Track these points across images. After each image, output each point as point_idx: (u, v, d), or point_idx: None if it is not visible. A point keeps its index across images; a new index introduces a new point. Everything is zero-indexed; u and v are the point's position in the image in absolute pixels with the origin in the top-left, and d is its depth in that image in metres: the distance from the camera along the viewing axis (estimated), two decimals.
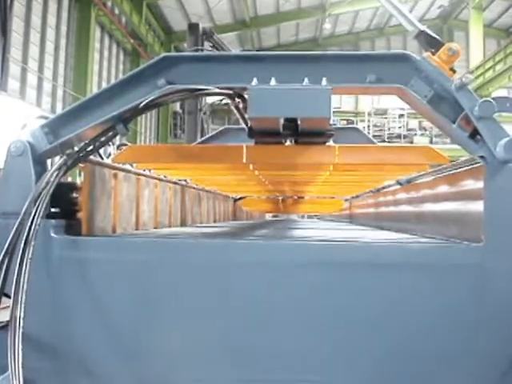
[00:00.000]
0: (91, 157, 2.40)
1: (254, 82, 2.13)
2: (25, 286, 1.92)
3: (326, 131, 2.74)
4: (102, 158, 2.72)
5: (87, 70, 19.57)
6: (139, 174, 3.20)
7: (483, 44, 27.23)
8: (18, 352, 1.84)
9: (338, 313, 2.06)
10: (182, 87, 2.22)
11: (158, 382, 2.13)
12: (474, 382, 2.03)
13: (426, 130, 30.68)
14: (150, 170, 3.54)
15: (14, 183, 2.20)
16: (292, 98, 2.09)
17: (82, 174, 2.44)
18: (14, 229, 2.00)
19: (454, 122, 2.09)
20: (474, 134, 2.07)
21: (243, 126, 3.01)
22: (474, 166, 2.29)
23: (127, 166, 3.09)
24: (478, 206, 2.14)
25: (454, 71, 2.19)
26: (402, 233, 3.46)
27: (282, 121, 2.56)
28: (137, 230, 3.10)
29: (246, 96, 2.23)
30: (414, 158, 3.09)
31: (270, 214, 12.69)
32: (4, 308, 1.97)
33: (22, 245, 1.97)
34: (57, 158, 2.30)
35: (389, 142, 29.79)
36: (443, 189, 2.82)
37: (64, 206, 2.32)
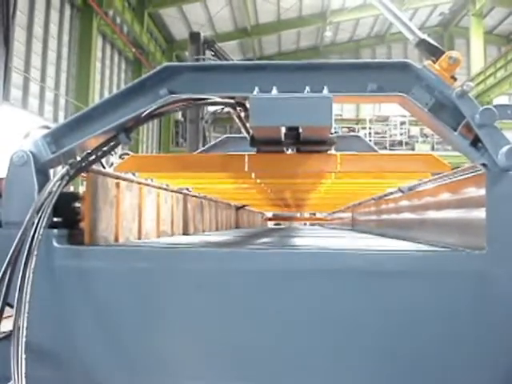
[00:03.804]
0: (94, 166, 2.41)
1: (256, 91, 2.13)
2: (27, 296, 1.92)
3: (328, 139, 2.74)
4: (105, 168, 2.73)
5: (89, 79, 19.66)
6: (141, 183, 3.20)
7: (484, 51, 27.29)
8: (21, 362, 1.84)
9: (339, 321, 2.06)
10: (184, 97, 2.23)
11: None
12: None
13: (427, 137, 30.70)
14: (152, 179, 3.55)
15: (16, 193, 2.20)
16: (293, 107, 2.09)
17: (85, 183, 2.44)
18: (17, 239, 2.00)
19: (455, 130, 2.09)
20: (476, 142, 2.07)
21: (245, 134, 3.02)
22: (476, 173, 2.29)
23: (129, 176, 3.10)
24: (480, 214, 2.13)
25: (455, 79, 2.20)
26: (405, 240, 3.46)
27: (283, 129, 2.57)
28: (139, 239, 3.10)
29: (247, 105, 2.24)
30: (416, 165, 3.08)
31: (272, 222, 12.72)
32: (7, 318, 1.97)
33: (25, 254, 1.97)
34: (59, 168, 2.31)
35: (390, 149, 29.81)
36: (445, 196, 2.82)
37: (66, 216, 2.32)
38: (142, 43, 24.78)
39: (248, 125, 2.56)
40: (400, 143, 31.40)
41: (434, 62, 2.21)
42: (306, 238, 4.42)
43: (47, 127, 2.37)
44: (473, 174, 2.36)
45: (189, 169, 3.22)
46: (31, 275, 1.95)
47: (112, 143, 2.30)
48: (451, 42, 32.60)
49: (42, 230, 2.04)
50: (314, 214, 13.71)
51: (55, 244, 2.16)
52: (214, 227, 5.64)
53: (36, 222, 2.04)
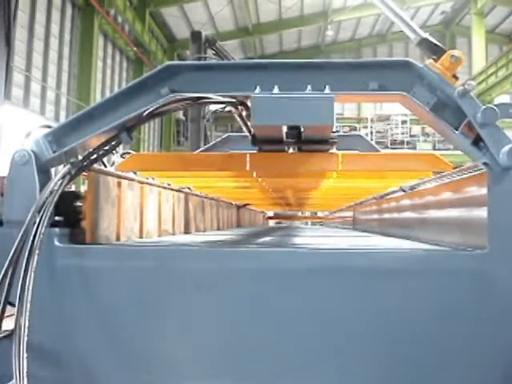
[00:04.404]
0: (95, 165, 2.41)
1: (257, 90, 2.13)
2: (29, 295, 1.92)
3: (330, 138, 2.74)
4: (106, 167, 2.73)
5: (90, 79, 19.66)
6: (143, 182, 3.20)
7: (485, 50, 27.26)
8: (22, 361, 1.84)
9: (341, 319, 2.06)
10: (185, 95, 2.22)
11: None
12: None
13: (428, 136, 30.71)
14: (153, 178, 3.55)
15: (18, 192, 2.20)
16: (295, 106, 2.09)
17: (86, 182, 2.44)
18: (19, 238, 2.00)
19: (456, 129, 2.09)
20: (477, 141, 2.06)
21: (246, 133, 3.02)
22: (478, 172, 2.29)
23: (131, 174, 3.10)
24: (481, 213, 2.13)
25: (457, 78, 2.19)
26: (406, 239, 3.45)
27: (285, 128, 2.57)
28: (141, 238, 3.10)
29: (248, 104, 2.24)
30: (418, 165, 3.08)
31: (274, 221, 12.73)
32: (8, 316, 1.97)
33: (27, 254, 1.97)
34: (61, 167, 2.31)
35: (392, 148, 29.81)
36: (447, 195, 2.82)
37: (68, 215, 2.31)
38: (143, 42, 24.77)
39: (249, 124, 2.56)
40: (401, 142, 31.41)
41: (436, 61, 2.21)
42: (308, 236, 4.42)
43: (49, 126, 2.36)
44: (474, 173, 2.36)
45: (190, 168, 3.22)
46: (33, 274, 1.95)
47: (113, 142, 2.30)
48: (453, 41, 32.57)
49: (43, 228, 2.04)
50: (316, 213, 13.73)
51: (57, 243, 2.16)
52: (215, 226, 5.64)
53: (37, 221, 2.04)
